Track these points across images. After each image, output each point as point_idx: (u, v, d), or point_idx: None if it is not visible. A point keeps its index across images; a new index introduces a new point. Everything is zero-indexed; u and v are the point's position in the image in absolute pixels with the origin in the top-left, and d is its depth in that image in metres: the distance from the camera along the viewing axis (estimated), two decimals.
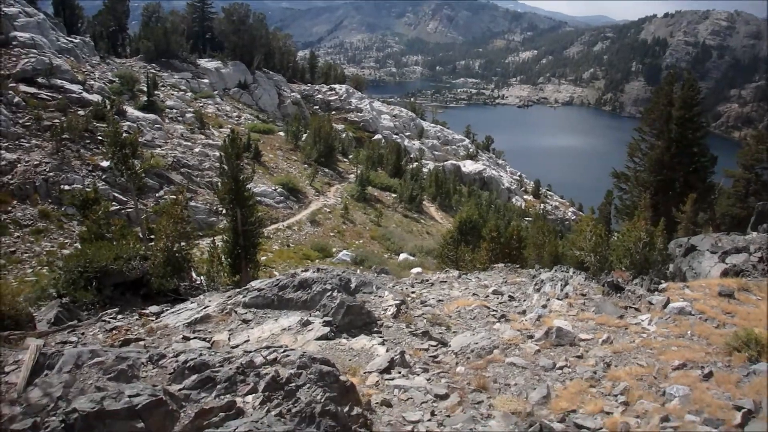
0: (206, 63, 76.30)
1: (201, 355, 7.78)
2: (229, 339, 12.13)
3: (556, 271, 18.13)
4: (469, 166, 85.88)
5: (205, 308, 14.51)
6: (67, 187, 32.59)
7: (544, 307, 14.39)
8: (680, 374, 9.69)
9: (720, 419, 8.21)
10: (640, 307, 13.96)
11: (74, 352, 7.79)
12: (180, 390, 7.07)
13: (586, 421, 8.45)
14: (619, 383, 9.60)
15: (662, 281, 16.45)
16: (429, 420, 8.50)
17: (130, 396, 6.54)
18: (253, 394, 7.03)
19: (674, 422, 8.19)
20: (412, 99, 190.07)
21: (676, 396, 8.94)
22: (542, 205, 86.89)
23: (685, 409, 8.53)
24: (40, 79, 41.23)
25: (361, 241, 43.23)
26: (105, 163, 34.72)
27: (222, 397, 7.02)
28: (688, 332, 11.73)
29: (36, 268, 26.48)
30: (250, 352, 7.87)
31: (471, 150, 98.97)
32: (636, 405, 8.90)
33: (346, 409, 7.38)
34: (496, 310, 14.52)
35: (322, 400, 7.08)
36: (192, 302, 15.95)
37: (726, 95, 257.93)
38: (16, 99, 37.38)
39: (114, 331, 13.87)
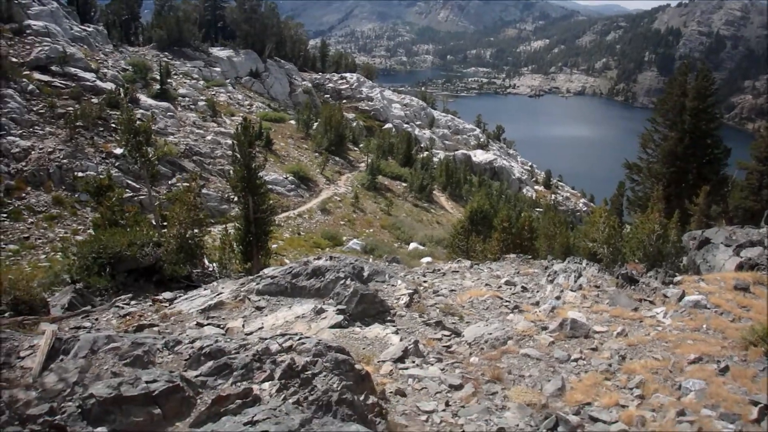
0: (218, 52, 76.29)
1: (217, 341, 7.77)
2: (243, 326, 12.13)
3: (569, 262, 18.06)
4: (479, 156, 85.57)
5: (218, 295, 14.54)
6: (80, 174, 32.76)
7: (558, 298, 14.32)
8: (696, 368, 9.60)
9: (736, 414, 8.13)
10: (654, 299, 13.85)
11: (90, 337, 7.79)
12: (196, 376, 7.07)
13: (601, 414, 8.39)
14: (634, 376, 9.52)
15: (676, 274, 16.34)
16: (443, 410, 8.46)
17: (147, 382, 6.55)
18: (270, 382, 7.02)
19: (690, 416, 8.12)
20: (422, 88, 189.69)
21: (691, 390, 8.86)
22: (553, 196, 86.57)
23: (701, 404, 8.46)
24: (53, 67, 41.38)
25: (371, 230, 43.26)
26: (118, 151, 34.89)
27: (238, 384, 7.02)
28: (704, 326, 11.63)
29: (49, 254, 26.66)
30: (266, 339, 7.86)
31: (482, 139, 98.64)
32: (651, 398, 8.82)
33: (362, 397, 7.38)
34: (509, 301, 14.46)
35: (338, 389, 7.05)
36: (205, 289, 15.99)
37: (740, 86, 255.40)
38: (30, 87, 37.53)
39: (128, 317, 13.93)
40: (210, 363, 7.26)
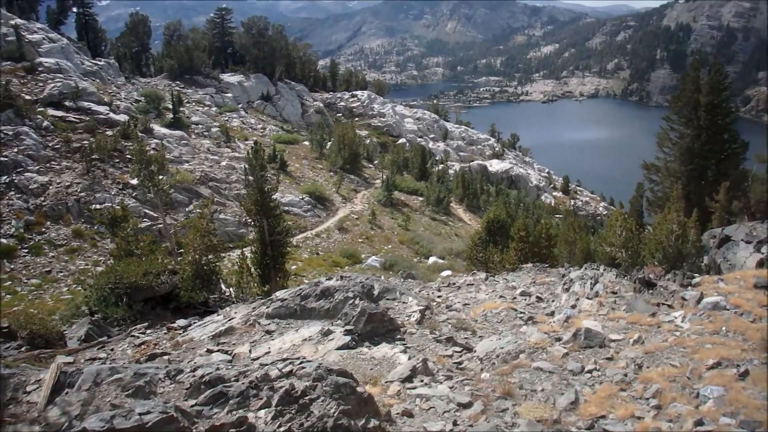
0: (229, 77, 77.05)
1: (218, 369, 7.70)
2: (250, 351, 12.06)
3: (585, 269, 17.78)
4: (495, 166, 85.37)
5: (230, 320, 14.52)
6: (98, 206, 33.10)
7: (573, 307, 14.05)
8: (715, 374, 9.24)
9: (757, 421, 7.79)
10: (673, 303, 13.46)
11: (93, 369, 7.80)
12: (192, 406, 7.01)
13: (616, 427, 8.11)
14: (650, 385, 9.20)
15: (696, 275, 15.95)
16: (451, 430, 8.26)
17: (140, 414, 6.46)
18: (266, 409, 6.91)
19: (708, 426, 7.80)
20: (434, 101, 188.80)
21: (710, 397, 8.53)
22: (572, 201, 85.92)
23: (720, 411, 8.13)
24: (67, 103, 41.98)
25: (389, 246, 43.15)
26: (134, 181, 35.21)
27: (234, 412, 6.92)
28: (723, 328, 11.24)
29: (71, 287, 26.90)
30: (266, 365, 7.75)
31: (497, 149, 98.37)
32: (669, 408, 8.51)
33: (362, 422, 7.21)
34: (524, 312, 14.23)
35: (334, 414, 6.90)
36: (219, 314, 16.00)
37: (754, 78, 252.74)
38: (45, 123, 38.11)
39: (143, 346, 13.98)
40: (208, 392, 7.19)
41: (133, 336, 15.17)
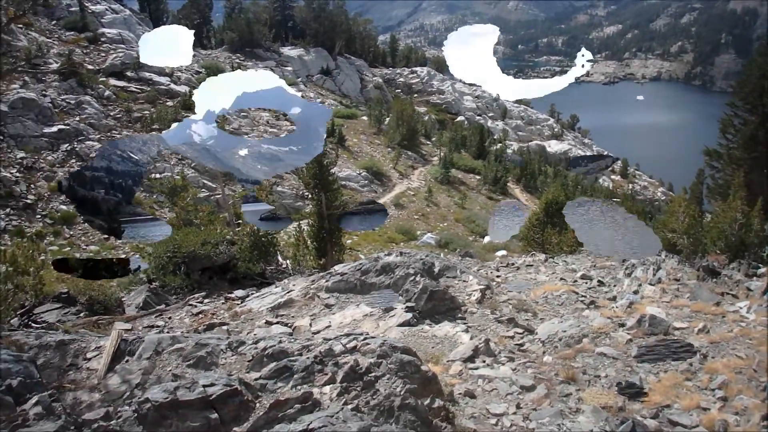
0: (289, 51, 77.21)
1: (280, 342, 7.67)
2: (310, 324, 12.08)
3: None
4: (554, 146, 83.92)
5: (288, 292, 14.53)
6: (158, 176, 33.81)
7: (636, 293, 13.70)
8: None
9: None
10: (737, 293, 13.06)
11: (154, 338, 7.80)
12: (256, 379, 7.02)
13: (681, 418, 7.87)
14: (716, 376, 8.90)
15: (760, 265, 15.40)
16: (514, 413, 8.11)
17: (204, 386, 6.46)
18: (331, 385, 6.89)
19: None
20: None
21: None
22: (631, 186, 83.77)
23: None
24: (128, 73, 42.90)
25: (445, 224, 42.95)
26: None
27: (299, 387, 6.88)
28: None
29: (129, 254, 27.58)
30: (330, 339, 7.70)
31: (556, 129, 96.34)
32: (735, 401, 8.21)
33: (427, 401, 7.13)
34: (585, 296, 13.95)
35: (401, 393, 6.83)
36: (276, 286, 16.04)
37: None
38: (107, 93, 39.02)
39: (200, 315, 14.12)
40: (271, 365, 7.15)
41: (190, 305, 15.32)
